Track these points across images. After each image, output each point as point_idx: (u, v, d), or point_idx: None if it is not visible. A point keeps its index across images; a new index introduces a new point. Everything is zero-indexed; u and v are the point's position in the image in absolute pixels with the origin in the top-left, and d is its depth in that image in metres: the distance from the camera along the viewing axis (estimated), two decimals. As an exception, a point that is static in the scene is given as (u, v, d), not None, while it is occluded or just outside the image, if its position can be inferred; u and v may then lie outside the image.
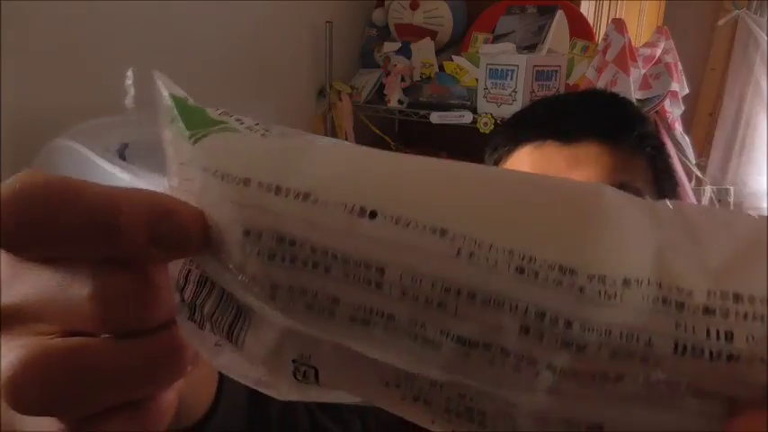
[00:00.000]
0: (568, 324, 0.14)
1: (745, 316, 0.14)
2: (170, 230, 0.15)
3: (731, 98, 2.39)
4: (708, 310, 0.14)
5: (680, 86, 1.47)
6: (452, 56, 1.57)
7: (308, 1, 1.64)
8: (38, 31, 1.16)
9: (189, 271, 0.18)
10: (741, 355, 0.14)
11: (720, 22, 2.30)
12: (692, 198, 1.46)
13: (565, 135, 0.50)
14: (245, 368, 0.18)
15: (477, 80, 1.48)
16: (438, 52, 1.63)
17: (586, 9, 1.60)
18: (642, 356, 0.14)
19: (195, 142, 0.17)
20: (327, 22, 1.64)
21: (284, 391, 0.18)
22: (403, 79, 1.61)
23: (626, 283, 0.15)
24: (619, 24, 1.31)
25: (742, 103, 2.38)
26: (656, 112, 1.42)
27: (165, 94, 0.18)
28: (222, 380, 0.31)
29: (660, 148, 0.54)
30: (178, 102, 0.18)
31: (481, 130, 1.41)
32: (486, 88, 1.44)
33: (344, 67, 1.77)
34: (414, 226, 0.15)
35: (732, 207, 1.64)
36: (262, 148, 0.17)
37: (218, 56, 1.48)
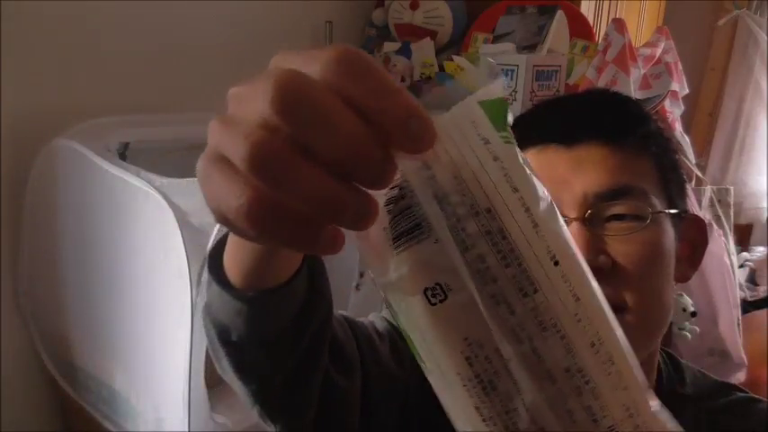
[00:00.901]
0: (597, 396, 0.24)
1: None
2: (417, 127, 0.21)
3: (731, 98, 2.39)
4: None
5: (680, 86, 1.47)
6: (452, 56, 1.57)
7: (308, 1, 1.64)
8: (38, 31, 1.16)
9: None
10: None
11: (720, 22, 2.31)
12: (692, 198, 1.46)
13: (567, 138, 0.50)
14: (387, 257, 0.24)
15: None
16: (438, 52, 1.63)
17: (586, 9, 1.60)
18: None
19: (506, 142, 0.24)
20: (327, 22, 1.64)
21: (391, 277, 0.24)
22: (403, 79, 1.62)
23: None
24: (619, 24, 1.31)
25: (742, 103, 2.38)
26: (656, 111, 1.42)
27: (491, 97, 0.25)
28: (299, 270, 0.37)
29: (666, 146, 0.53)
30: (501, 105, 0.25)
31: (481, 130, 1.41)
32: (487, 88, 1.44)
33: (344, 67, 1.76)
34: (566, 279, 0.24)
35: (732, 207, 1.64)
36: (527, 175, 0.24)
37: (218, 56, 1.48)
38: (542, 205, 0.24)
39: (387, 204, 0.23)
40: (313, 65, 0.21)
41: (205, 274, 0.39)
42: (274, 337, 0.39)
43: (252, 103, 0.21)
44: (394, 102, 0.20)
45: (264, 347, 0.39)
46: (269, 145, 0.20)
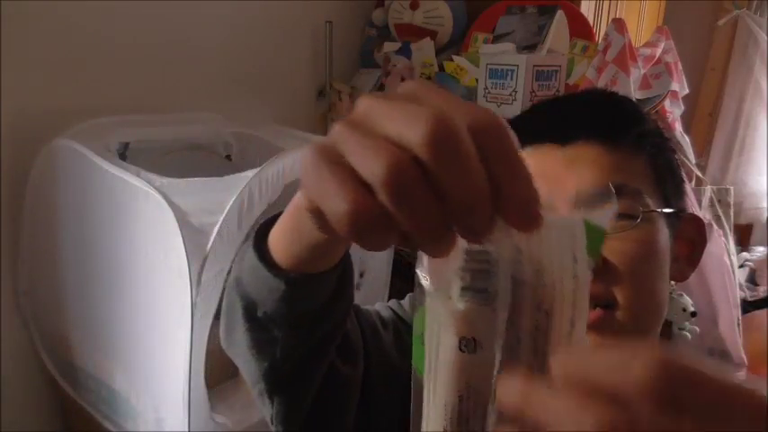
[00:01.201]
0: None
1: None
2: (530, 212, 0.23)
3: (731, 98, 2.39)
4: None
5: (680, 86, 1.47)
6: (452, 56, 1.57)
7: (308, 1, 1.64)
8: (38, 31, 1.16)
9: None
10: None
11: (720, 22, 2.31)
12: (692, 198, 1.46)
13: (562, 137, 0.50)
14: (445, 288, 0.27)
15: (477, 80, 1.48)
16: (438, 52, 1.63)
17: (586, 9, 1.60)
18: None
19: (588, 267, 0.27)
20: (327, 22, 1.64)
21: (442, 298, 0.27)
22: (403, 79, 1.62)
23: None
24: (619, 24, 1.31)
25: (742, 103, 2.38)
26: (656, 111, 1.42)
27: (595, 225, 0.28)
28: (335, 267, 0.39)
29: (662, 145, 0.54)
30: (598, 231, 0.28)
31: (481, 130, 1.41)
32: (486, 88, 1.44)
33: (344, 67, 1.77)
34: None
35: (732, 207, 1.64)
36: (586, 296, 0.27)
37: (219, 56, 1.48)
38: (582, 322, 0.28)
39: (467, 254, 0.27)
40: (464, 114, 0.22)
41: (245, 247, 0.40)
42: (299, 319, 0.40)
43: (392, 121, 0.22)
44: (523, 181, 0.23)
45: (287, 328, 0.41)
46: (406, 172, 0.21)
